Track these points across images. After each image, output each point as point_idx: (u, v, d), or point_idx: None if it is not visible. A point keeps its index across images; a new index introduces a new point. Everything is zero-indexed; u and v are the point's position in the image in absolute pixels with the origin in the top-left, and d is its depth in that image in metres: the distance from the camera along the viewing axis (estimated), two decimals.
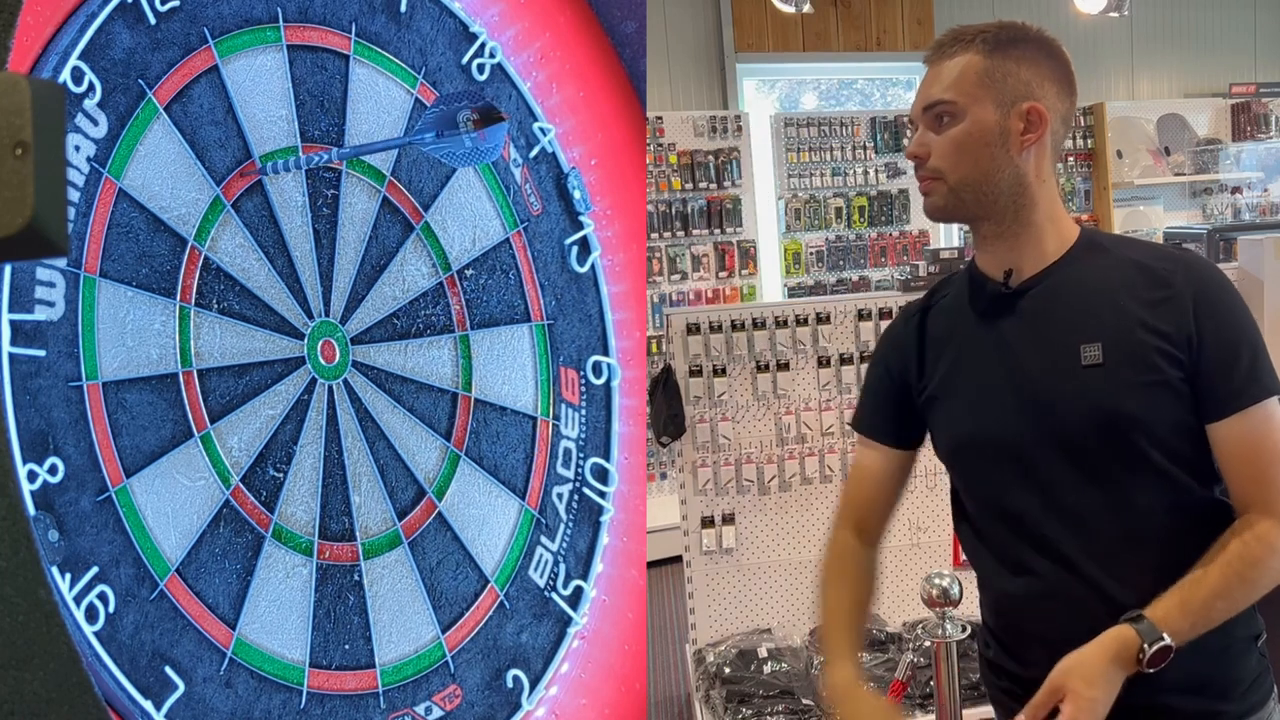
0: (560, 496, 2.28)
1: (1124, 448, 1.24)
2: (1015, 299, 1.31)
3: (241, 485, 1.85)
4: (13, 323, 1.58)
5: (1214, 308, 1.23)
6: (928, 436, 1.44)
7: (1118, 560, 1.25)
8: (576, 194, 2.33)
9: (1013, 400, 1.29)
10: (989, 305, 1.33)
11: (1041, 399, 1.27)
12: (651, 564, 2.67)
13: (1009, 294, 1.31)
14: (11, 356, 1.58)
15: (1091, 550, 1.26)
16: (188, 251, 1.81)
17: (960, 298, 1.38)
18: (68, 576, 1.62)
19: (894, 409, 1.45)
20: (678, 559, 3.42)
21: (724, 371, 3.26)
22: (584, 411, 2.33)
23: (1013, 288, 1.31)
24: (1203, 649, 1.20)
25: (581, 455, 2.31)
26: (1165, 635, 1.16)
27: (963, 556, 1.47)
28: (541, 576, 2.23)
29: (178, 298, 1.80)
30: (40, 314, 1.62)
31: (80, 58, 1.68)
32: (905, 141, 5.95)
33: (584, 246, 2.35)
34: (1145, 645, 1.16)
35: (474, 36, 2.19)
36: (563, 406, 2.30)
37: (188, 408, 1.80)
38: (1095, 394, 1.24)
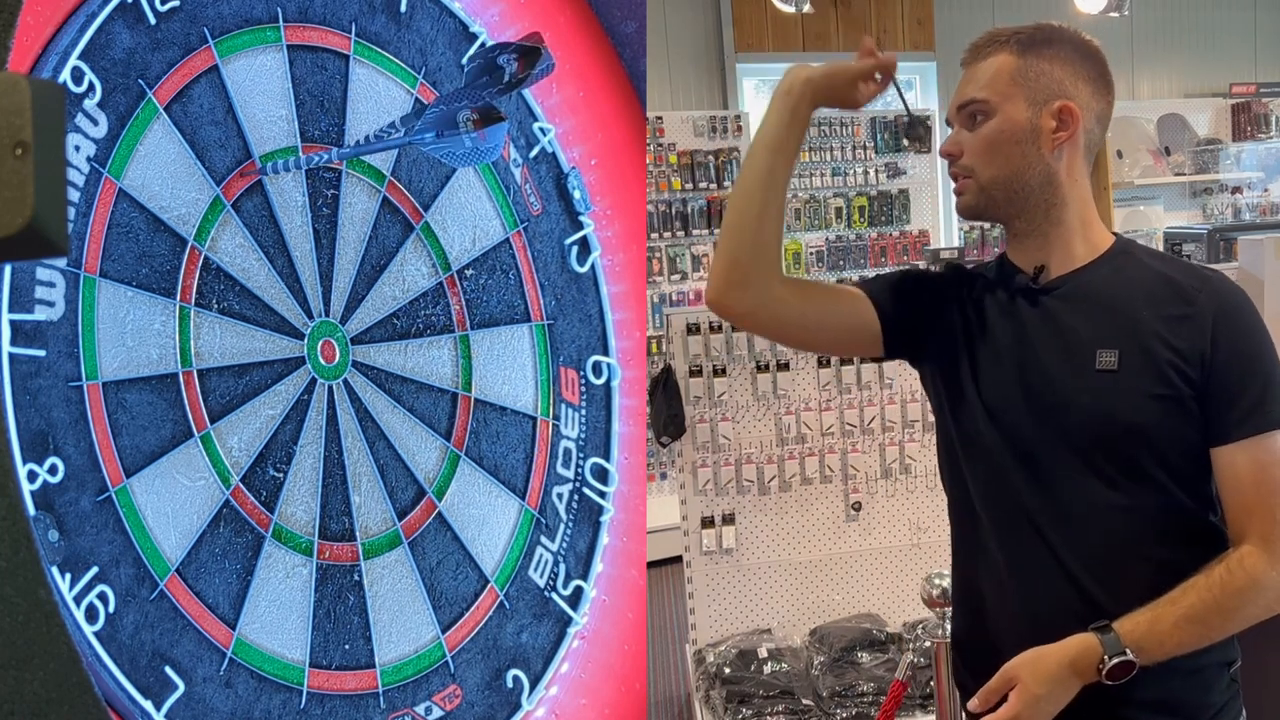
0: (560, 496, 2.28)
1: (1126, 457, 1.24)
2: (1041, 295, 1.32)
3: (241, 485, 1.85)
4: (13, 323, 1.58)
5: (1232, 331, 1.23)
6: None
7: (1109, 570, 1.25)
8: (576, 194, 2.33)
9: (1025, 396, 1.30)
10: (1015, 297, 1.34)
11: (1053, 398, 1.28)
12: (651, 564, 2.67)
13: (1035, 290, 1.32)
14: (11, 356, 1.57)
15: (1085, 556, 1.26)
16: (188, 251, 1.81)
17: (992, 285, 1.39)
18: (68, 576, 1.62)
19: (903, 307, 1.40)
20: (678, 559, 3.42)
21: (724, 371, 3.25)
22: (584, 411, 2.33)
23: (1040, 284, 1.32)
24: (1174, 670, 1.20)
25: (581, 455, 2.31)
26: (1128, 650, 1.16)
27: None
28: (541, 576, 2.23)
29: (178, 298, 1.80)
30: (40, 314, 1.62)
31: (80, 58, 1.68)
32: (905, 142, 5.95)
33: (584, 246, 2.34)
34: (1106, 656, 1.16)
35: (474, 36, 2.19)
36: (563, 406, 2.30)
37: (188, 408, 1.80)
38: (1105, 400, 1.24)
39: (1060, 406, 1.27)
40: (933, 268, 1.30)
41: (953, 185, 1.36)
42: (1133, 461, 1.24)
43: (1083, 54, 1.31)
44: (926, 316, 1.40)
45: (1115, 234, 1.36)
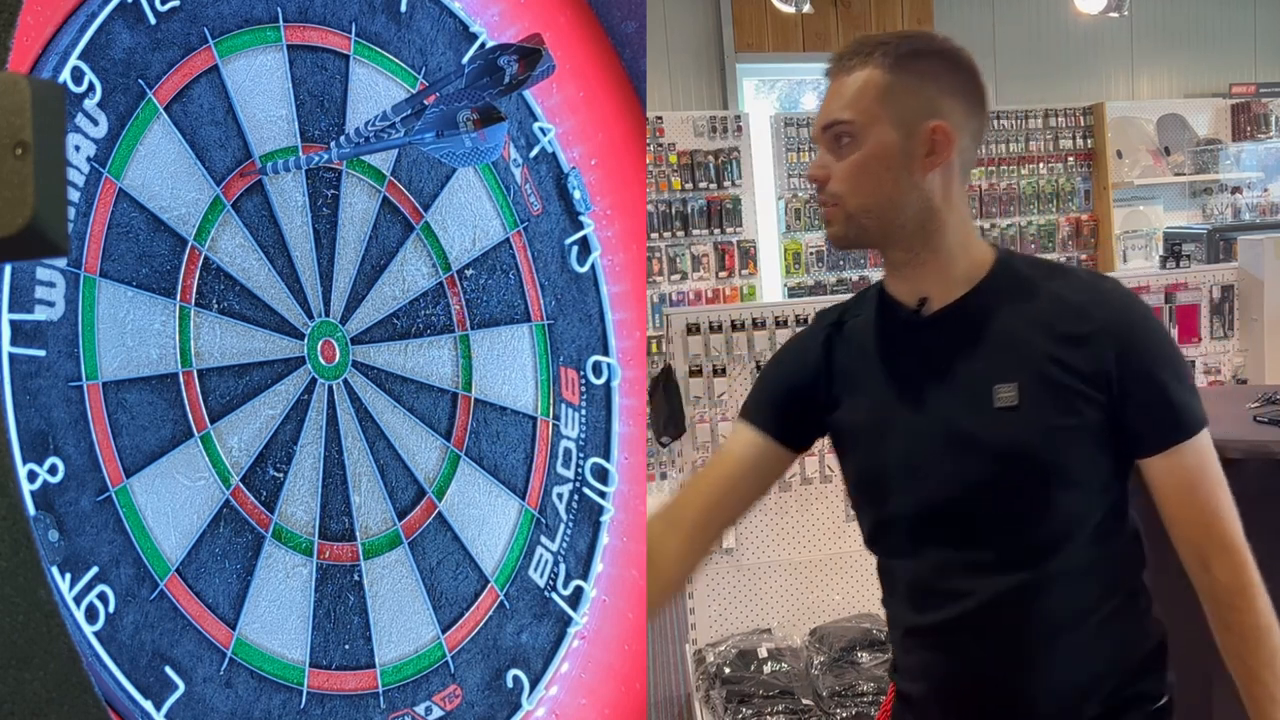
0: (560, 496, 2.28)
1: (1036, 492, 1.19)
2: (927, 329, 1.24)
3: (241, 485, 1.85)
4: (13, 323, 1.58)
5: (1136, 344, 1.18)
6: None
7: (1018, 609, 1.22)
8: (576, 194, 2.33)
9: (923, 438, 1.23)
10: (900, 334, 1.27)
11: (952, 439, 1.21)
12: None
13: (921, 323, 1.25)
14: (11, 356, 1.57)
15: (994, 596, 1.22)
16: (188, 251, 1.81)
17: (871, 322, 1.31)
18: (68, 576, 1.62)
19: (786, 407, 1.36)
20: None
21: (724, 371, 3.26)
22: (584, 411, 2.33)
23: (925, 316, 1.24)
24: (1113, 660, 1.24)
25: (581, 455, 2.31)
26: None
27: None
28: (541, 576, 2.23)
29: (178, 298, 1.80)
30: (40, 314, 1.62)
31: (80, 58, 1.68)
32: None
33: (584, 246, 2.34)
34: None
35: (474, 36, 2.19)
36: (563, 406, 2.30)
37: (188, 408, 1.80)
38: (1009, 437, 1.18)
39: (961, 447, 1.21)
40: (828, 306, 1.22)
41: (821, 212, 1.27)
42: (1042, 497, 1.19)
43: (955, 67, 1.22)
44: (809, 397, 1.34)
45: (994, 246, 1.28)
